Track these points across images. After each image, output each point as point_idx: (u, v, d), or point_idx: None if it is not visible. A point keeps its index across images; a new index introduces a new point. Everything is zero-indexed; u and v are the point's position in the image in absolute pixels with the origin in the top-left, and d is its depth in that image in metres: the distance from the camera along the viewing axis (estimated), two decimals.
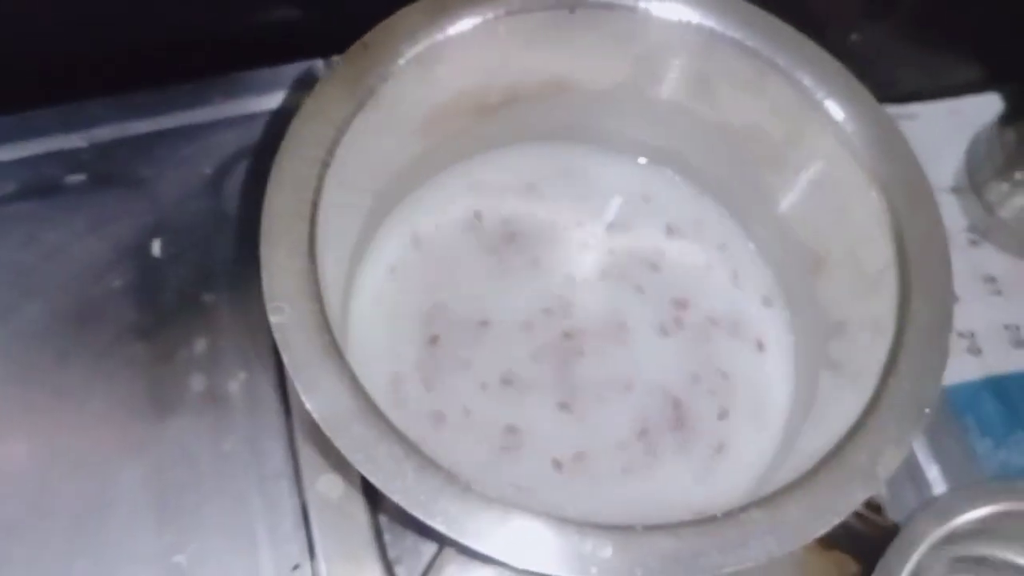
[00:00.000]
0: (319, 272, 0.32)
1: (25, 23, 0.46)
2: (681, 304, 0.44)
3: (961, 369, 0.49)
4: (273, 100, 0.50)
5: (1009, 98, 0.57)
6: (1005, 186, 0.52)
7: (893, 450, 0.31)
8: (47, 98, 0.48)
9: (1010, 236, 0.53)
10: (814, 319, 0.41)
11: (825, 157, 0.40)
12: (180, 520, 0.41)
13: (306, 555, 0.40)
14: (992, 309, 0.52)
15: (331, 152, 0.34)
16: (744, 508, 0.30)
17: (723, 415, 0.42)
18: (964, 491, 0.40)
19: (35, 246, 0.46)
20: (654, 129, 0.45)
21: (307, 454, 0.41)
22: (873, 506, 0.41)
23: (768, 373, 0.43)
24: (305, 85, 0.50)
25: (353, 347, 0.39)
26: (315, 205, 0.33)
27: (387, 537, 0.40)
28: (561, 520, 0.29)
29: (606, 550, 0.28)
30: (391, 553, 0.40)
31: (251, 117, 0.50)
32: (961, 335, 0.51)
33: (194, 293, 0.46)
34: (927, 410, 0.32)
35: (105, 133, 0.49)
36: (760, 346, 0.43)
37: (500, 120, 0.43)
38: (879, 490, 0.38)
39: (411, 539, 0.41)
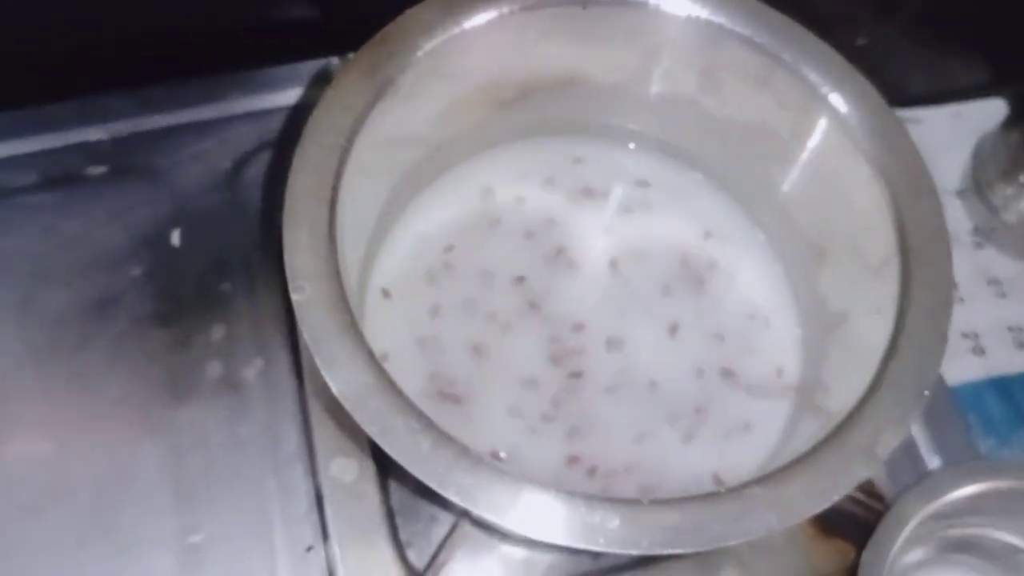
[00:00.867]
0: (339, 253, 0.33)
1: (48, 17, 0.47)
2: (692, 296, 0.45)
3: (965, 369, 0.50)
4: (290, 96, 0.51)
5: (1014, 102, 0.57)
6: (1010, 189, 0.53)
7: (893, 431, 0.32)
8: (69, 92, 0.49)
9: (1015, 239, 0.54)
10: (818, 309, 0.42)
11: (829, 151, 0.41)
12: (196, 502, 0.42)
13: (319, 537, 0.41)
14: (996, 310, 0.52)
15: (350, 140, 0.35)
16: (746, 484, 0.31)
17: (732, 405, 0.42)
18: (954, 469, 0.41)
19: (55, 236, 0.47)
20: (662, 122, 0.46)
21: (321, 438, 0.42)
22: (875, 494, 0.41)
23: (775, 362, 0.43)
24: (321, 82, 0.51)
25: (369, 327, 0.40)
26: (335, 189, 0.34)
27: (399, 520, 0.41)
28: (570, 493, 0.30)
29: (613, 521, 0.29)
30: (403, 535, 0.41)
31: (268, 113, 0.51)
32: (965, 336, 0.51)
33: (212, 282, 0.47)
34: (926, 392, 0.33)
35: (125, 127, 0.50)
36: (768, 335, 0.44)
37: (515, 113, 0.44)
38: (879, 470, 0.39)
39: (422, 522, 0.41)
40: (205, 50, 0.49)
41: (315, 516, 0.42)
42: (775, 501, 0.30)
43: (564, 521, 0.29)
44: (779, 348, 0.43)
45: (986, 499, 0.38)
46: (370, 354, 0.31)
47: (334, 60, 0.51)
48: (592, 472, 0.40)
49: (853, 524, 0.40)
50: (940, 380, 0.47)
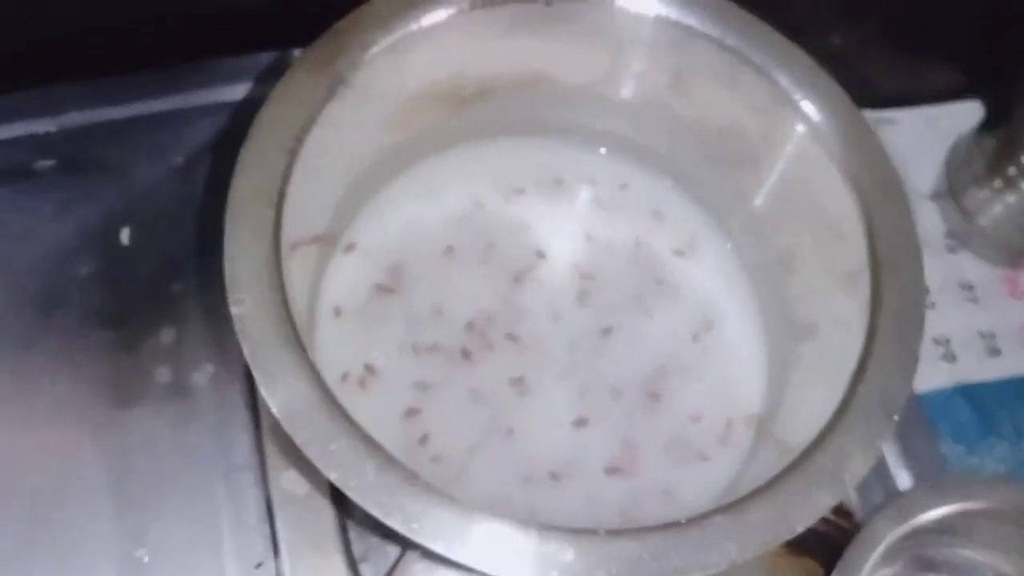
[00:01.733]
0: (283, 261, 0.31)
1: None
2: (655, 299, 0.44)
3: (935, 376, 0.49)
4: (245, 89, 0.50)
5: (988, 105, 0.56)
6: (984, 193, 0.52)
7: (860, 456, 0.31)
8: (17, 82, 0.47)
9: (988, 243, 0.53)
10: (786, 319, 0.41)
11: (799, 155, 0.39)
12: (141, 512, 0.40)
13: (270, 552, 0.40)
14: (968, 316, 0.51)
15: (300, 139, 0.34)
16: (707, 514, 0.29)
17: (696, 418, 0.41)
18: (925, 488, 0.40)
19: (1, 230, 0.46)
20: (630, 124, 0.45)
21: (273, 448, 0.40)
22: (843, 512, 0.40)
23: (740, 373, 0.42)
24: (277, 74, 0.49)
25: (321, 340, 0.39)
26: (282, 193, 0.32)
27: (352, 534, 0.40)
28: (523, 523, 0.28)
29: (568, 554, 0.28)
30: (356, 550, 0.39)
31: (224, 105, 0.50)
32: (936, 341, 0.50)
33: (162, 283, 0.45)
34: (895, 416, 0.32)
35: (76, 119, 0.48)
36: (731, 344, 0.43)
37: (475, 113, 0.42)
38: (846, 497, 0.38)
39: (377, 536, 0.40)
40: (161, 40, 0.48)
41: (266, 529, 0.40)
42: (737, 531, 0.29)
43: (517, 552, 0.28)
44: (745, 357, 0.42)
45: (956, 519, 0.37)
46: (313, 370, 0.30)
47: (292, 51, 0.50)
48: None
49: (821, 541, 0.39)
50: None
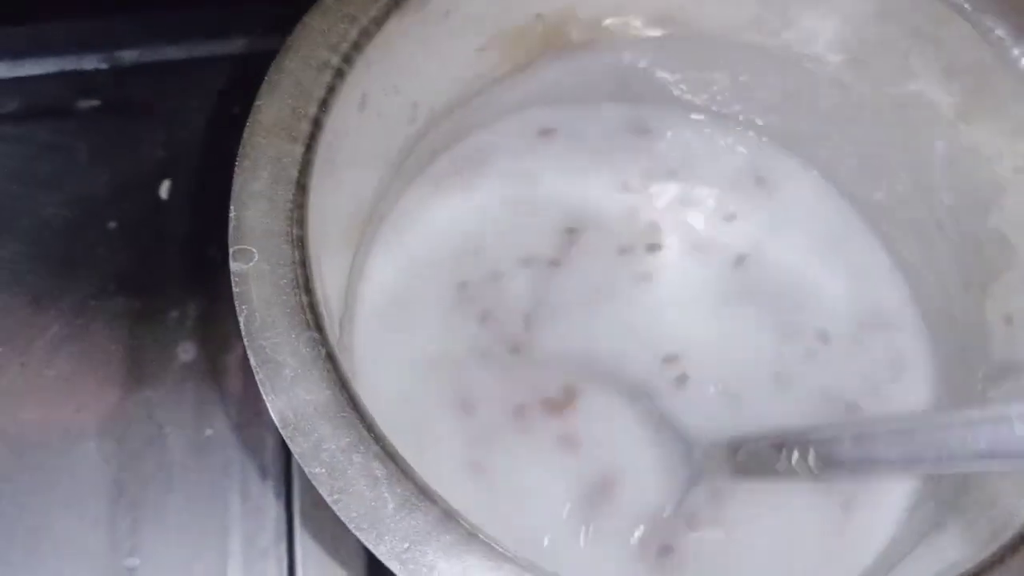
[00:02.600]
0: (308, 210, 0.23)
1: None
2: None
3: None
4: None
5: None
6: None
7: None
8: (66, 10, 0.44)
9: None
10: (967, 348, 0.31)
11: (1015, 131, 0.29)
12: (138, 515, 0.36)
13: None
14: None
15: (349, 59, 0.26)
16: None
17: None
18: None
19: (29, 174, 0.42)
20: (773, 88, 0.35)
21: None
22: None
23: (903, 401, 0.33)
24: None
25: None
26: (318, 124, 0.25)
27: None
28: None
29: None
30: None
31: None
32: None
33: (198, 245, 0.41)
34: None
35: (128, 56, 0.45)
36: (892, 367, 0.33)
37: (579, 59, 0.34)
38: None
39: None
40: None
41: (282, 549, 0.36)
42: None
43: None
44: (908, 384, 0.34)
45: None
46: (330, 356, 0.22)
47: None
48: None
49: None
50: None
